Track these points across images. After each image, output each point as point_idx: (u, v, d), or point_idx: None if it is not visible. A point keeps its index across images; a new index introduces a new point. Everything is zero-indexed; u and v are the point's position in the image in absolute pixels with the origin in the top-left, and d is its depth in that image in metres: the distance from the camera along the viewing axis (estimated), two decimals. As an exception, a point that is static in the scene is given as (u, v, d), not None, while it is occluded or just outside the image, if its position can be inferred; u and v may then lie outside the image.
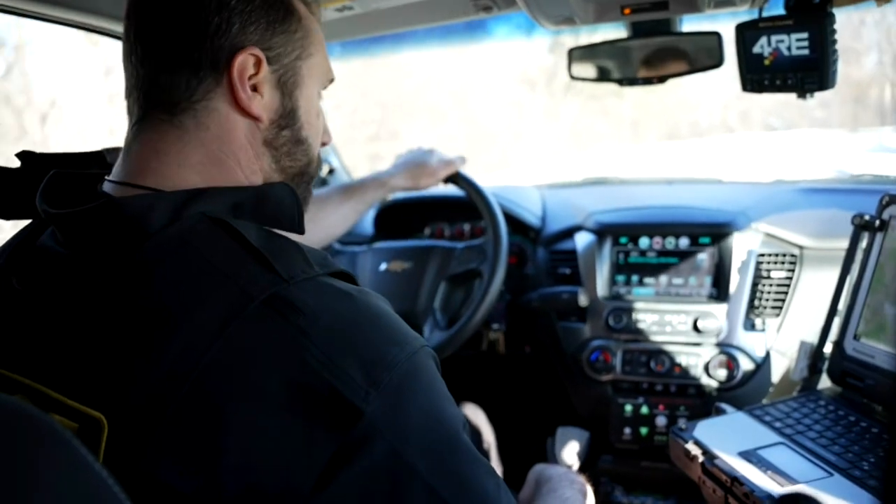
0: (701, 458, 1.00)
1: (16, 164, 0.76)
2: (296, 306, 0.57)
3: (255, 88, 0.69)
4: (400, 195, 1.76)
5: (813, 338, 1.21)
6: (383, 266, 1.61)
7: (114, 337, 0.56)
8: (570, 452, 1.33)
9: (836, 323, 1.17)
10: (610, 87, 1.49)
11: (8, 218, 0.75)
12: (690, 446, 1.03)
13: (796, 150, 4.29)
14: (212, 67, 0.67)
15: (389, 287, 1.57)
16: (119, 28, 1.21)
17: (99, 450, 0.53)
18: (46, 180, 0.68)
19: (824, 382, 1.18)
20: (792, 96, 1.14)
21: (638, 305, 1.55)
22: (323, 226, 1.40)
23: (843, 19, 1.07)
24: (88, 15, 1.17)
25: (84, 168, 0.74)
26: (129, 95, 0.70)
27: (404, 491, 0.55)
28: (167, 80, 0.67)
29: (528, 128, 9.16)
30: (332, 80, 0.81)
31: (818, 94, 1.12)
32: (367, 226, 1.89)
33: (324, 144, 0.83)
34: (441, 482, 0.56)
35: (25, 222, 0.74)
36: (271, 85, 0.70)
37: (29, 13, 1.10)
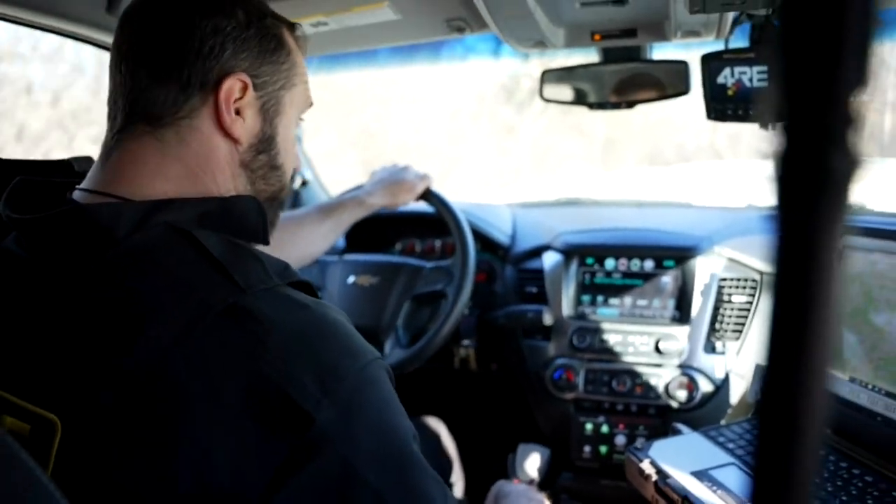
0: (654, 477, 1.02)
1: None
2: (253, 315, 0.58)
3: (238, 112, 0.71)
4: None
5: (769, 362, 1.24)
6: (351, 279, 1.62)
7: (72, 340, 0.57)
8: (531, 469, 1.34)
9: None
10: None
11: None
12: (645, 465, 1.05)
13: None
14: (200, 87, 0.69)
15: (356, 300, 1.58)
16: (102, 37, 1.23)
17: (51, 451, 0.54)
18: (12, 186, 0.68)
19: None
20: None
21: (602, 326, 1.57)
22: (301, 245, 1.40)
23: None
24: (73, 23, 1.18)
25: (49, 175, 0.75)
26: (112, 103, 0.71)
27: (353, 498, 0.56)
28: (154, 93, 0.68)
29: (479, 144, 8.58)
30: (310, 106, 0.84)
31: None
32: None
33: (294, 171, 0.85)
34: (390, 492, 0.58)
35: None
36: (254, 110, 0.73)
37: (15, 19, 1.11)
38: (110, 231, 0.60)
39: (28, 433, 0.55)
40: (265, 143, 0.75)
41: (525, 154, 8.37)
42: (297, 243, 1.39)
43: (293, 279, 0.66)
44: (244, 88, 0.71)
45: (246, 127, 0.72)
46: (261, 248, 0.70)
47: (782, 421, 0.22)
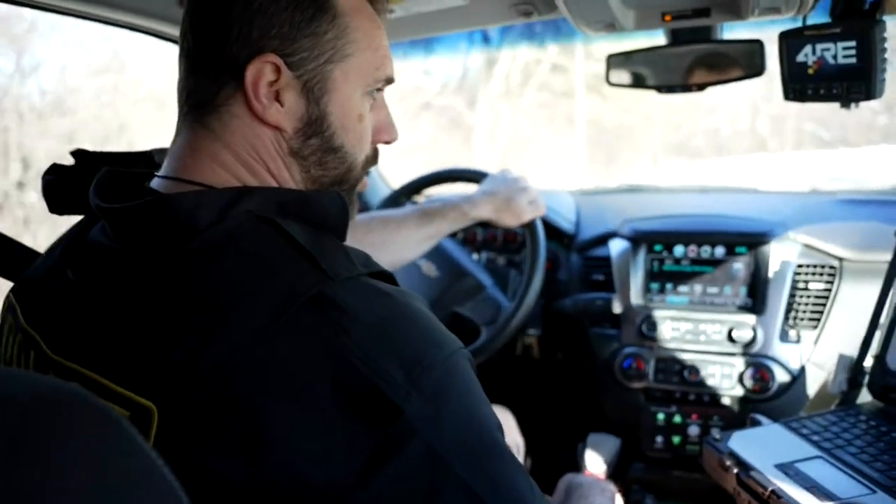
0: (736, 470, 0.99)
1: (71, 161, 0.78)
2: (338, 304, 0.58)
3: (278, 96, 0.67)
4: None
5: (852, 351, 1.19)
6: (421, 261, 1.60)
7: (162, 329, 0.57)
8: (601, 459, 1.32)
9: (878, 337, 1.15)
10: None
11: (61, 213, 0.77)
12: (725, 457, 1.02)
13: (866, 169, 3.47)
14: (231, 74, 0.66)
15: (415, 286, 1.56)
16: (173, 31, 1.25)
17: (149, 438, 0.54)
18: (98, 176, 0.70)
19: (864, 397, 1.16)
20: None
21: (672, 314, 1.53)
22: (395, 249, 1.30)
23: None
24: (146, 18, 1.20)
25: (132, 167, 0.76)
26: (178, 93, 0.72)
27: (441, 489, 0.55)
28: (195, 82, 0.68)
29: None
30: (388, 80, 0.76)
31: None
32: None
33: (388, 143, 0.80)
34: (477, 482, 0.57)
35: (77, 218, 0.76)
36: (295, 92, 0.68)
37: (89, 15, 1.14)
38: (194, 220, 0.61)
39: (128, 420, 0.56)
40: (314, 126, 0.70)
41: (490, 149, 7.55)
42: (391, 247, 1.29)
43: (375, 269, 0.65)
44: (277, 70, 0.66)
45: (287, 111, 0.68)
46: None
47: None
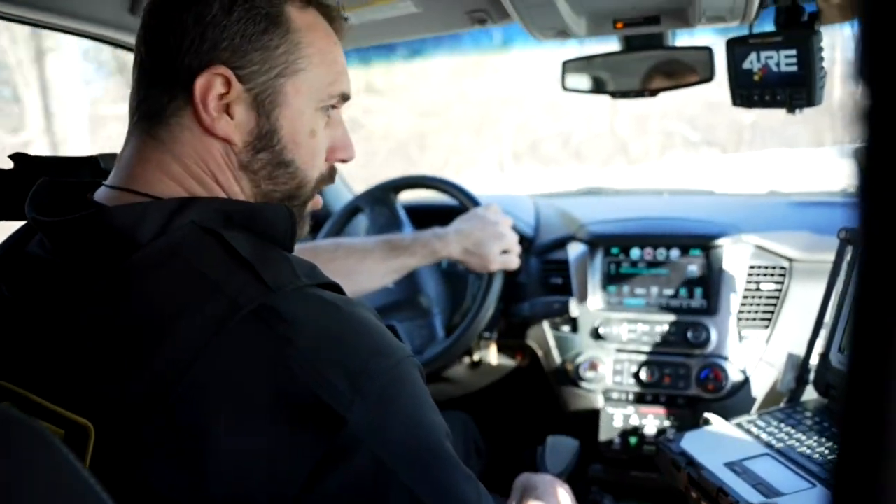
0: (687, 469, 1.01)
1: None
2: (282, 316, 0.57)
3: (227, 108, 0.67)
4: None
5: (800, 350, 1.23)
6: None
7: (101, 345, 0.57)
8: (560, 461, 1.33)
9: (823, 335, 1.18)
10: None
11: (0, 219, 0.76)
12: (677, 456, 1.04)
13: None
14: (182, 86, 0.66)
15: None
16: (126, 38, 1.24)
17: (86, 456, 0.54)
18: (36, 187, 0.68)
19: (811, 394, 1.19)
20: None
21: (629, 316, 1.56)
22: (357, 280, 1.28)
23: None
24: (97, 26, 1.19)
25: (76, 173, 0.75)
26: (129, 103, 0.71)
27: (386, 497, 0.56)
28: (146, 93, 0.67)
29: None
30: (344, 96, 0.75)
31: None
32: (361, 232, 1.89)
33: (344, 161, 0.79)
34: (423, 490, 0.57)
35: (17, 224, 0.74)
36: (245, 105, 0.67)
37: (40, 23, 1.12)
38: (134, 233, 0.60)
39: (62, 438, 0.55)
40: (264, 140, 0.69)
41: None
42: (354, 278, 1.27)
43: (321, 280, 0.65)
44: (227, 83, 0.65)
45: (237, 124, 0.67)
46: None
47: (869, 426, 0.21)
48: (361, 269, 1.28)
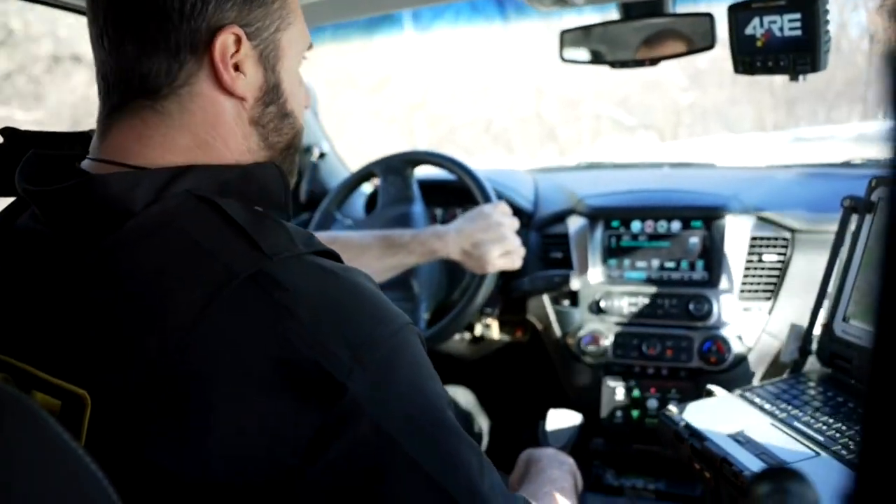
0: (690, 441, 1.00)
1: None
2: (280, 283, 0.57)
3: (237, 67, 0.67)
4: None
5: (803, 320, 1.22)
6: None
7: (96, 317, 0.56)
8: (562, 435, 1.33)
9: (826, 305, 1.17)
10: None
11: None
12: (680, 428, 1.03)
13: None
14: (191, 50, 0.64)
15: None
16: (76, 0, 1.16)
17: (82, 427, 0.53)
18: (25, 159, 0.67)
19: (814, 364, 1.19)
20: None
21: (630, 289, 1.55)
22: None
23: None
24: None
25: (69, 147, 0.74)
26: (102, 79, 0.67)
27: (388, 466, 0.56)
28: (146, 66, 0.64)
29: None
30: (310, 46, 0.78)
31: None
32: (359, 208, 1.88)
33: (306, 107, 0.80)
34: (424, 457, 0.57)
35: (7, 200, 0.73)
36: (253, 61, 0.68)
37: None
38: (128, 202, 0.59)
39: (59, 409, 0.55)
40: (272, 94, 0.70)
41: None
42: None
43: (318, 248, 0.64)
44: (238, 41, 0.66)
45: (248, 81, 0.68)
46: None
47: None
48: (359, 263, 1.25)
